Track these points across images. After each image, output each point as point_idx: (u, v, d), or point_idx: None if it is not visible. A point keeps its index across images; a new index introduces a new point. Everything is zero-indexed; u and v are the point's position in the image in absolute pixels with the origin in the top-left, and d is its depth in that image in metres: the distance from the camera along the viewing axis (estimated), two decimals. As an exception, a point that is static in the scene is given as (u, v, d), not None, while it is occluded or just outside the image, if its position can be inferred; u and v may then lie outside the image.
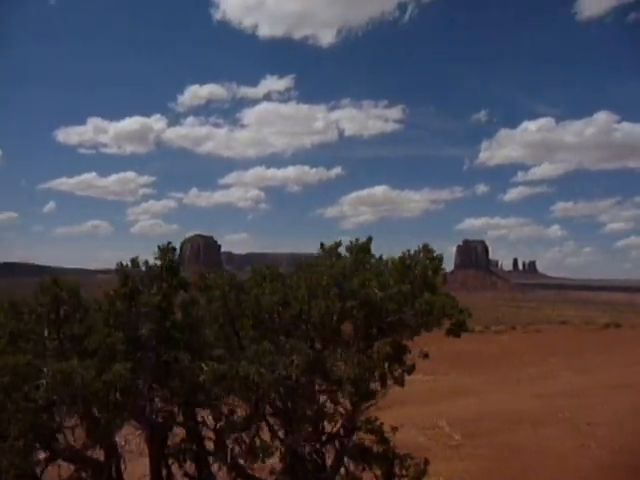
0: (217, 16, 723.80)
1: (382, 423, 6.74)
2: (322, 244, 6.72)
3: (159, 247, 6.21)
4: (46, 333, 5.66)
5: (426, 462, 6.90)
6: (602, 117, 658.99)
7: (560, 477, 12.17)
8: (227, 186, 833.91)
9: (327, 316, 5.90)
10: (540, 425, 16.25)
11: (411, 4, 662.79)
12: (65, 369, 4.98)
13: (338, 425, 6.63)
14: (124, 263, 6.21)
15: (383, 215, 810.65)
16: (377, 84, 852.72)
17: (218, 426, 6.47)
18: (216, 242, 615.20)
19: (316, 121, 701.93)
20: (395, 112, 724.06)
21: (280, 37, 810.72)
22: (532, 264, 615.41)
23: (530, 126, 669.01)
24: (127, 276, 6.01)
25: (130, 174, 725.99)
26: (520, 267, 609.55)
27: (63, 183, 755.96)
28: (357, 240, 6.57)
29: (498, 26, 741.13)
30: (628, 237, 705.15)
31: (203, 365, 5.63)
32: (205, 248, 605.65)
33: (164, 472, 6.80)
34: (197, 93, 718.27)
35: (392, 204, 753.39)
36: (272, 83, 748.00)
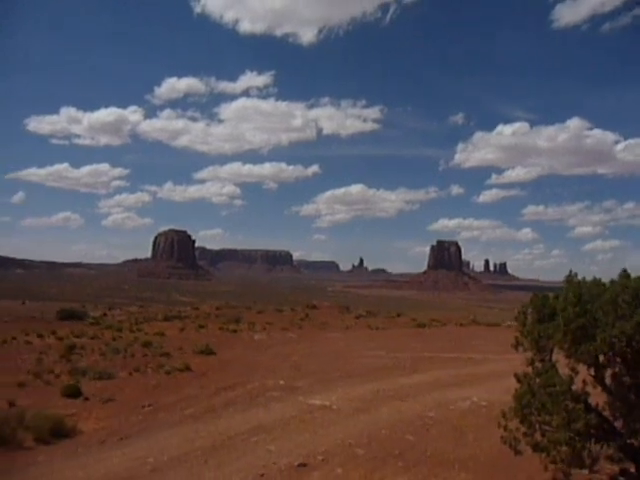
0: (197, 9, 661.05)
1: None
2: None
3: None
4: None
5: None
6: (575, 123, 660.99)
7: None
8: (202, 181, 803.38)
9: None
10: None
11: (393, 5, 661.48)
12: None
13: None
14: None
15: (358, 214, 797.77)
16: (356, 84, 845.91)
17: None
18: (190, 237, 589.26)
19: (294, 118, 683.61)
20: (373, 112, 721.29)
21: (261, 33, 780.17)
22: (503, 266, 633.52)
23: (505, 130, 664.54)
24: None
25: (103, 166, 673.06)
26: (491, 268, 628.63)
27: (33, 174, 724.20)
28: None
29: (478, 30, 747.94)
30: (595, 241, 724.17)
31: None
32: (179, 243, 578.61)
33: None
34: (175, 86, 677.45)
35: (367, 203, 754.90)
36: (251, 79, 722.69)
